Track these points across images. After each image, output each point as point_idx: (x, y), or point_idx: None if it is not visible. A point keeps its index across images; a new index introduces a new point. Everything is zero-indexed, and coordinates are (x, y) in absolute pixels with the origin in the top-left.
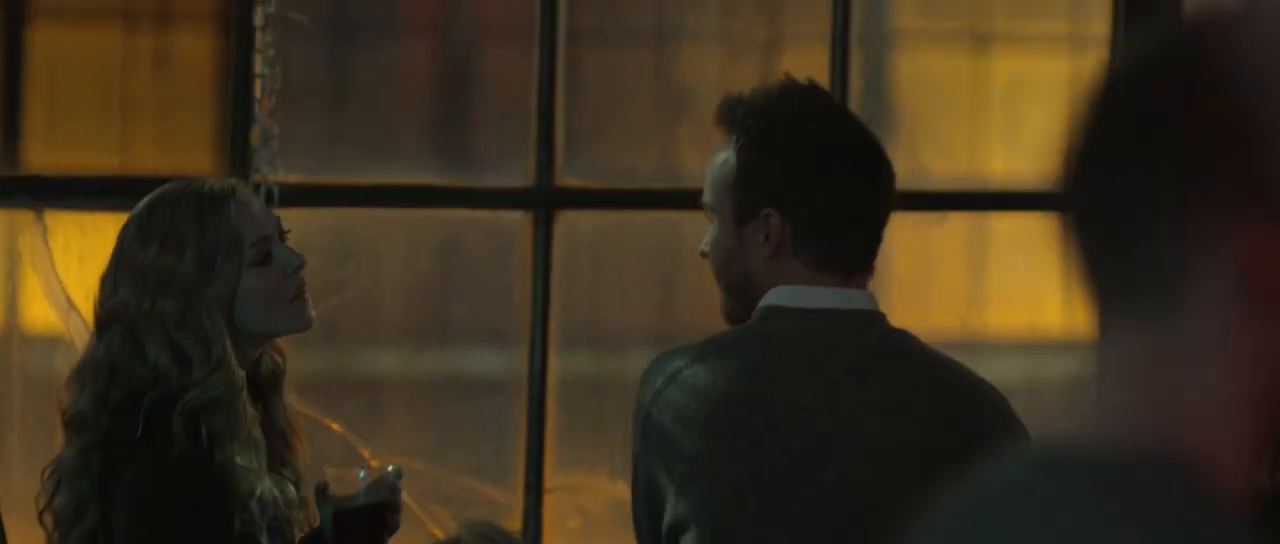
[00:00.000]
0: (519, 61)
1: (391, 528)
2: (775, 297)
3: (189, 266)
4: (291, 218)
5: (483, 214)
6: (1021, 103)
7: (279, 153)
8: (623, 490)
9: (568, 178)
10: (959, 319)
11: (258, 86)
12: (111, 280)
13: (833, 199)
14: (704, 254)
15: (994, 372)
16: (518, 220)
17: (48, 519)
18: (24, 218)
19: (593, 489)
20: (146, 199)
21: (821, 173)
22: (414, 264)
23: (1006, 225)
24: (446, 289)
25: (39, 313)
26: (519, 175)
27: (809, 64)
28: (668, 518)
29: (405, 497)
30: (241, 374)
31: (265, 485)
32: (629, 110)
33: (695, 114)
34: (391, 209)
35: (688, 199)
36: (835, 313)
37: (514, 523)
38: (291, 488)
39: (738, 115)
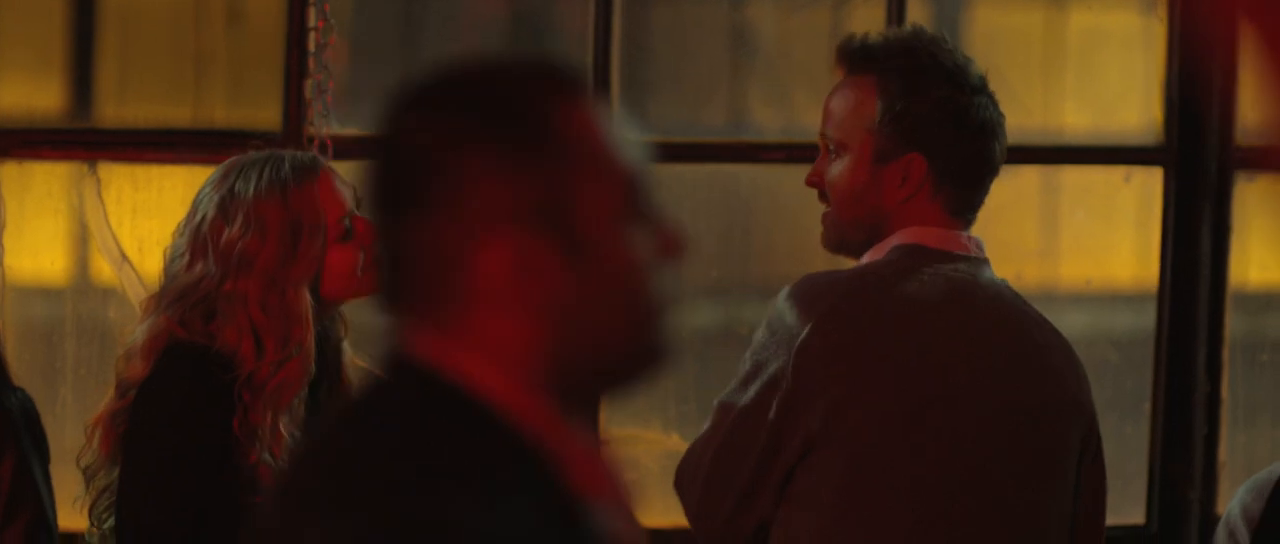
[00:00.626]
0: (576, 14)
1: None
2: (913, 235)
3: (272, 247)
4: (346, 171)
5: None
6: (1095, 57)
7: (334, 106)
8: (677, 442)
9: None
10: (1034, 271)
11: (311, 40)
12: (185, 253)
13: (973, 149)
14: (813, 184)
15: (1064, 324)
16: None
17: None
18: (77, 170)
19: (647, 441)
20: (223, 170)
21: (965, 123)
22: None
23: (1078, 178)
24: None
25: (91, 265)
26: None
27: (873, 17)
28: (803, 434)
29: None
30: (313, 369)
31: None
32: (688, 63)
33: (755, 67)
34: None
35: (746, 152)
36: (966, 258)
37: None
38: None
39: (875, 57)
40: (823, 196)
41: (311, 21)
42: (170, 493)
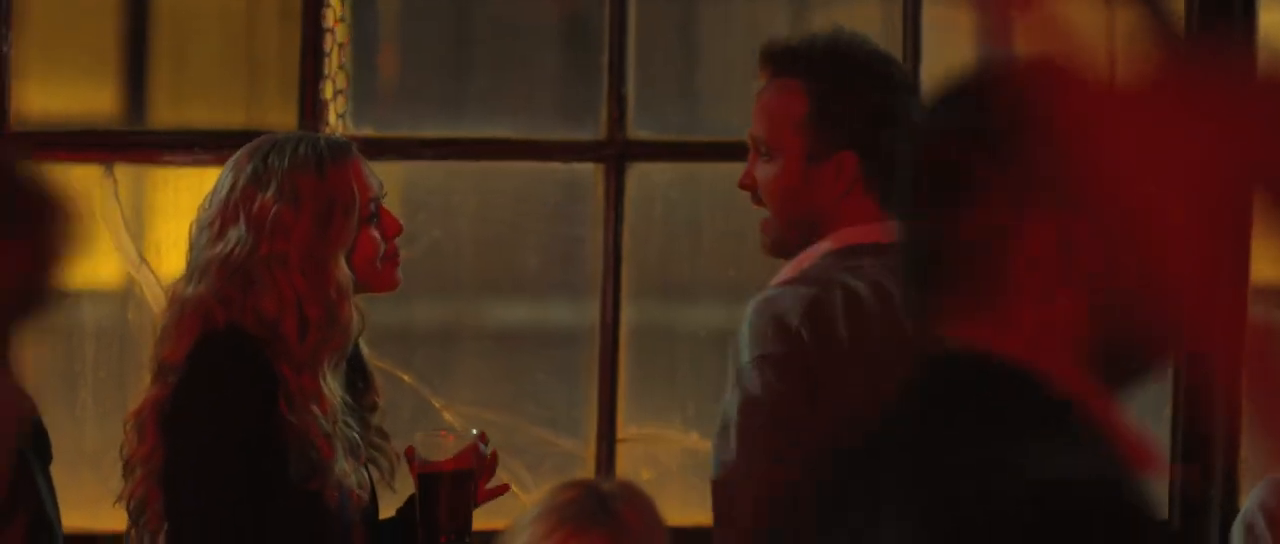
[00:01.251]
0: (591, 14)
1: (475, 493)
2: (843, 237)
3: (306, 220)
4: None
5: (555, 166)
6: None
7: (349, 106)
8: (696, 440)
9: (639, 130)
10: None
11: (327, 40)
12: (214, 221)
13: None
14: (746, 187)
15: None
16: (589, 172)
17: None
18: (92, 172)
19: (665, 439)
20: (253, 146)
21: (892, 116)
22: (486, 216)
23: None
24: (518, 241)
25: (109, 267)
26: (591, 128)
27: (873, 16)
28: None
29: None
30: (352, 337)
31: (341, 465)
32: (700, 62)
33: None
34: (464, 162)
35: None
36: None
37: (587, 474)
38: (364, 472)
39: (800, 59)
40: (757, 199)
41: (327, 22)
42: (212, 478)
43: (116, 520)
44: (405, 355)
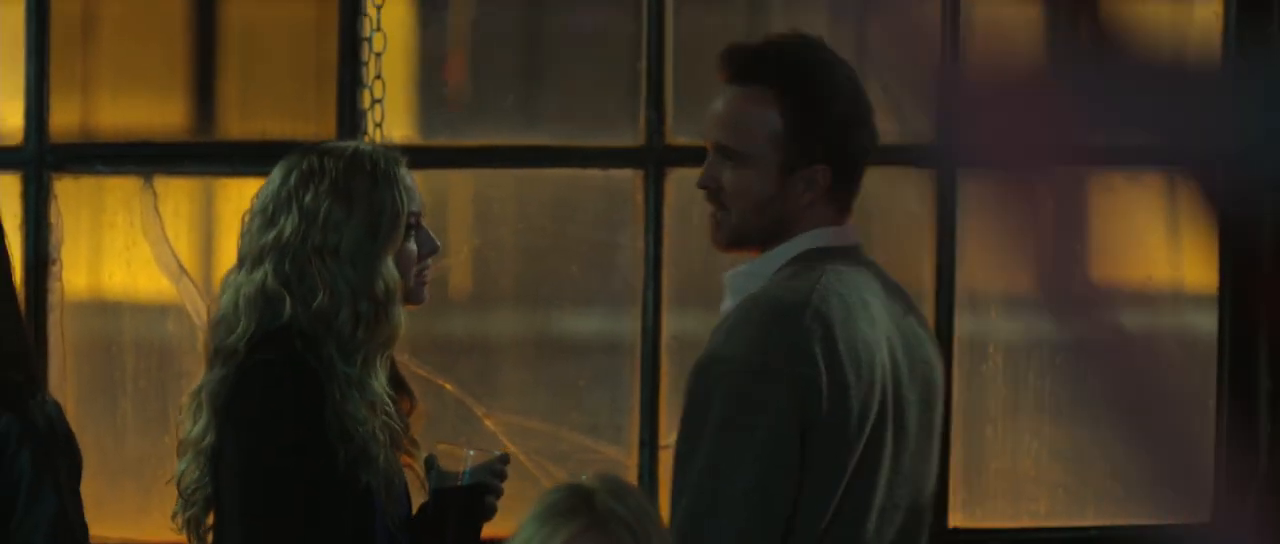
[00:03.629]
0: (628, 22)
1: (489, 511)
2: (817, 239)
3: (358, 220)
4: None
5: (594, 173)
6: None
7: (386, 115)
8: None
9: (678, 136)
10: (1093, 271)
11: (364, 50)
12: (268, 208)
13: (863, 151)
14: (707, 188)
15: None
16: (629, 179)
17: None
18: (132, 184)
19: None
20: (308, 147)
21: (858, 128)
22: (526, 224)
23: (1138, 179)
24: (558, 249)
25: (150, 279)
26: (629, 134)
27: (915, 15)
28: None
29: (521, 455)
30: (400, 333)
31: (387, 454)
32: None
33: None
34: (503, 169)
35: None
36: (857, 248)
37: (629, 480)
38: (401, 467)
39: (769, 68)
40: (713, 198)
41: (365, 32)
42: (262, 475)
43: (158, 530)
44: (447, 364)
